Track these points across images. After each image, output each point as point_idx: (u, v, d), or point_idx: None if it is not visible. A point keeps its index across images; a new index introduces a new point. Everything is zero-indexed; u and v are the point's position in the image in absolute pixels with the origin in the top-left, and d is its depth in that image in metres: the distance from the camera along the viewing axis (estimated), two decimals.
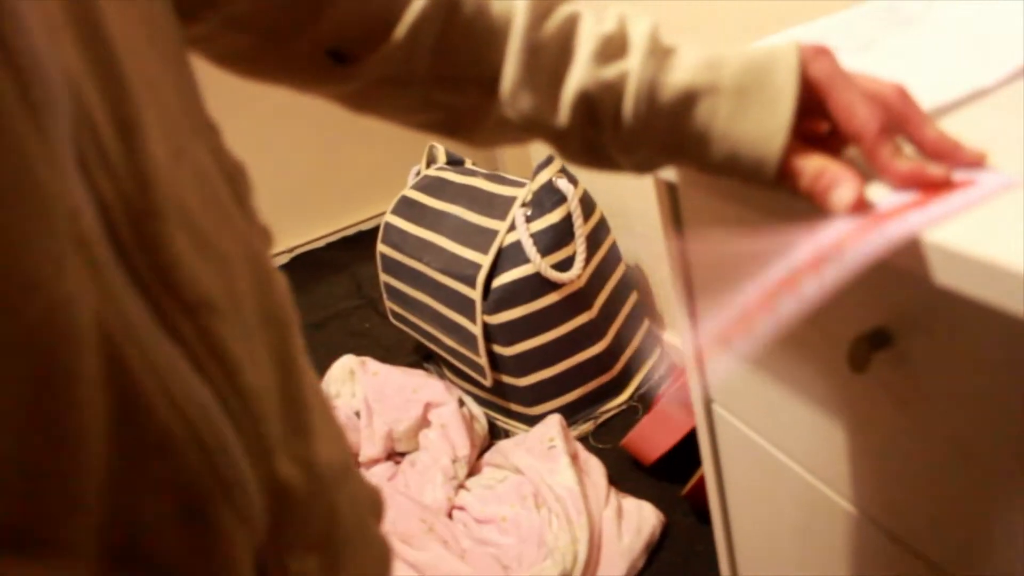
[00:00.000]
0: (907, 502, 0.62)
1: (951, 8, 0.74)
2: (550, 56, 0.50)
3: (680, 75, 0.48)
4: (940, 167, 0.45)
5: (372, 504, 0.52)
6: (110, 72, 0.35)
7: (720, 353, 0.44)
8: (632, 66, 0.49)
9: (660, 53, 0.49)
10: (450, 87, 0.53)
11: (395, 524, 1.52)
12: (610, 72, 0.49)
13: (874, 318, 0.57)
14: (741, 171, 0.49)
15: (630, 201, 1.89)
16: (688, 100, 0.48)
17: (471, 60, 0.52)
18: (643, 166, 0.53)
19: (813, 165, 0.46)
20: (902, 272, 0.45)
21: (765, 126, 0.47)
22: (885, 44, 0.71)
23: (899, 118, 0.47)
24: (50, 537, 0.31)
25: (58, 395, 0.30)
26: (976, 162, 0.45)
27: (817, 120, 0.49)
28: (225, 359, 0.38)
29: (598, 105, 0.50)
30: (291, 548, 0.41)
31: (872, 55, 0.69)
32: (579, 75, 0.50)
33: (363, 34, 0.52)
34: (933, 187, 0.45)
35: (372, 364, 1.91)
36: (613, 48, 0.50)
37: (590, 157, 0.54)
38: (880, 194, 0.46)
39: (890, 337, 0.56)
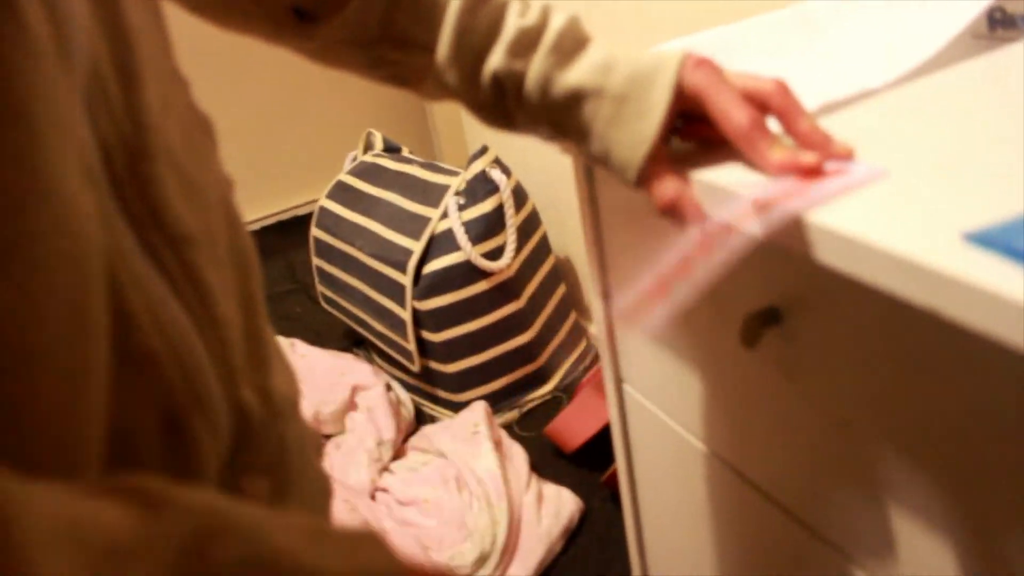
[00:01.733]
0: (796, 475, 0.67)
1: (858, 18, 0.78)
2: (476, 39, 0.57)
3: (573, 75, 0.55)
4: (812, 155, 0.49)
5: (315, 443, 0.56)
6: (116, 24, 0.38)
7: (630, 328, 0.48)
8: (534, 60, 0.55)
9: (565, 50, 0.55)
10: (398, 47, 0.59)
11: None
12: (518, 63, 0.56)
13: (765, 297, 0.61)
14: (611, 169, 0.55)
15: (562, 194, 1.93)
16: (575, 98, 0.55)
17: (416, 28, 0.58)
18: (545, 139, 0.60)
19: (666, 189, 0.53)
20: (788, 252, 0.49)
21: (634, 136, 0.53)
22: (793, 48, 0.76)
23: (776, 111, 0.52)
24: (59, 441, 0.33)
25: (78, 303, 0.33)
26: (845, 154, 0.50)
27: (705, 125, 0.54)
28: (201, 289, 0.41)
29: (506, 87, 0.57)
30: (246, 470, 0.45)
31: (780, 59, 0.73)
32: (494, 61, 0.56)
33: None
34: (806, 174, 0.49)
35: (300, 346, 1.92)
36: (527, 41, 0.56)
37: (502, 124, 0.60)
38: (761, 182, 0.50)
39: (779, 315, 0.61)
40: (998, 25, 0.71)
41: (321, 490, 0.54)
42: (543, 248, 1.86)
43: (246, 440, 0.45)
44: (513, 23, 0.56)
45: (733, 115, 0.51)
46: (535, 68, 0.55)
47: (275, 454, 0.48)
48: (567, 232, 1.99)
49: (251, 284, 0.49)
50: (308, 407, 1.77)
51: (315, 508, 0.53)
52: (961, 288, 0.38)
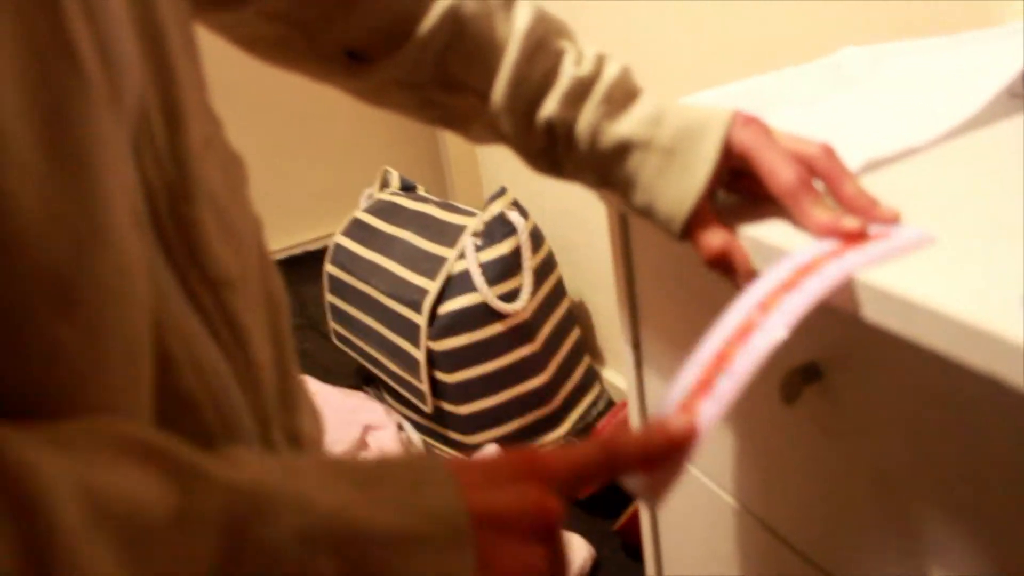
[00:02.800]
0: (832, 533, 0.66)
1: (893, 71, 0.79)
2: (532, 87, 0.57)
3: (622, 126, 0.55)
4: (856, 219, 0.49)
5: None
6: (163, 64, 0.38)
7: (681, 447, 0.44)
8: (585, 110, 0.56)
9: (616, 101, 0.56)
10: (449, 91, 0.59)
11: None
12: (570, 112, 0.57)
13: (806, 352, 0.61)
14: (655, 221, 0.55)
15: (578, 237, 1.93)
16: (623, 149, 0.55)
17: (469, 73, 0.58)
18: (590, 187, 0.61)
19: (713, 239, 0.53)
20: (833, 309, 0.49)
21: (681, 188, 0.53)
22: (829, 101, 0.76)
23: (822, 174, 0.52)
24: None
25: (134, 345, 0.34)
26: (890, 218, 0.50)
27: (753, 181, 0.54)
28: (238, 332, 0.41)
29: (558, 135, 0.57)
30: None
31: (816, 110, 0.73)
32: (548, 109, 0.57)
33: (380, 39, 0.58)
34: (849, 238, 0.49)
35: (312, 383, 1.91)
36: (581, 90, 0.57)
37: (550, 170, 0.61)
38: (804, 243, 0.50)
39: (820, 371, 0.60)
40: None
41: None
42: (559, 291, 1.86)
43: None
44: (569, 72, 0.57)
45: (781, 173, 0.51)
46: (585, 117, 0.56)
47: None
48: (582, 275, 1.98)
49: (281, 323, 0.49)
50: None
51: None
52: (1020, 352, 0.38)
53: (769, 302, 0.45)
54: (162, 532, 0.29)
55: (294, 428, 0.48)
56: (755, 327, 0.44)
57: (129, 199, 0.35)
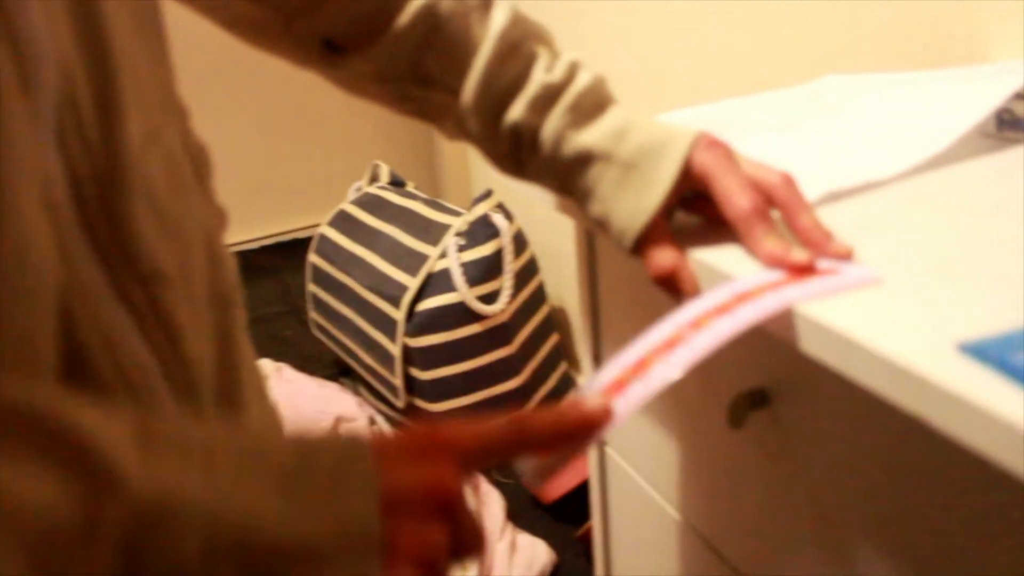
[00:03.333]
0: (771, 555, 0.66)
1: (871, 102, 0.79)
2: (500, 90, 0.57)
3: (585, 136, 0.55)
4: (804, 253, 0.49)
5: None
6: (99, 55, 0.38)
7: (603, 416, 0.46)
8: (550, 116, 0.56)
9: (583, 110, 0.56)
10: (423, 86, 0.59)
11: None
12: (536, 117, 0.56)
13: (754, 378, 0.61)
14: (609, 233, 0.55)
15: (562, 244, 1.93)
16: (585, 159, 0.55)
17: (442, 70, 0.58)
18: (551, 192, 0.61)
19: (663, 258, 0.53)
20: (780, 342, 0.49)
21: (636, 205, 0.53)
22: (803, 128, 0.76)
23: (779, 204, 0.52)
24: None
25: (17, 339, 0.33)
26: (843, 254, 0.50)
27: (711, 204, 0.54)
28: (170, 328, 0.41)
29: (523, 139, 0.58)
30: None
31: (788, 137, 0.74)
32: (515, 113, 0.57)
33: (356, 30, 0.58)
34: (796, 270, 0.49)
35: (288, 371, 1.91)
36: (549, 96, 0.56)
37: (513, 172, 0.61)
38: (751, 271, 0.50)
39: (768, 397, 0.60)
40: (1006, 126, 0.72)
41: None
42: (539, 296, 1.86)
43: None
44: (538, 78, 0.57)
45: (735, 199, 0.51)
46: (550, 124, 0.56)
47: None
48: (564, 282, 1.99)
49: (230, 323, 0.48)
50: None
51: None
52: (949, 399, 0.38)
53: (701, 321, 0.45)
54: (66, 542, 0.29)
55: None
56: (681, 341, 0.44)
57: (40, 187, 0.34)
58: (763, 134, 0.75)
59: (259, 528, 0.33)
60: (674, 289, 0.53)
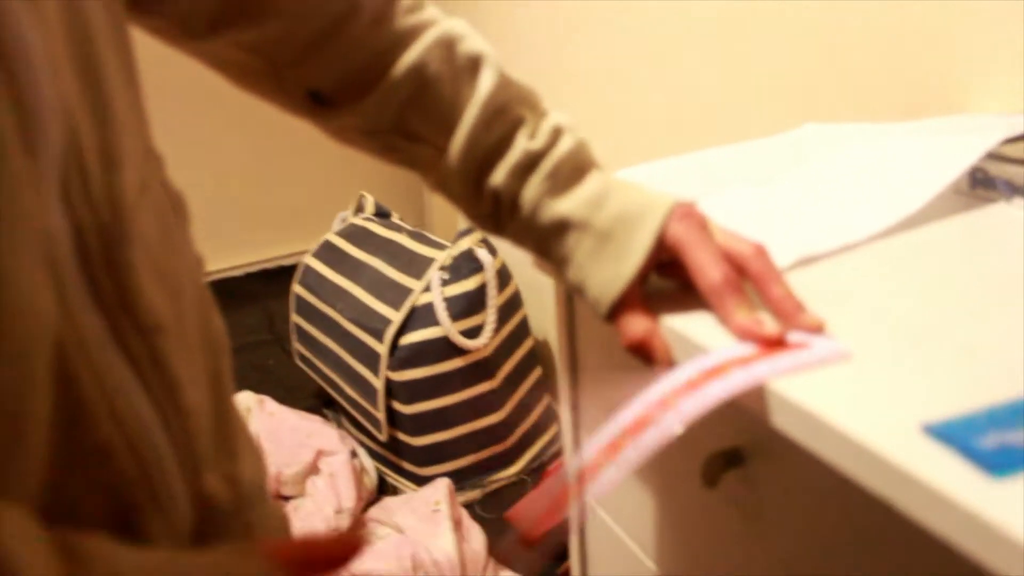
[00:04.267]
0: None
1: (847, 156, 0.80)
2: (482, 156, 0.58)
3: (563, 205, 0.56)
4: (775, 326, 0.50)
5: (281, 526, 0.55)
6: (102, 105, 0.38)
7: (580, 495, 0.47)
8: (530, 184, 0.57)
9: (563, 177, 0.57)
10: (409, 140, 0.60)
11: None
12: (517, 184, 0.58)
13: (729, 438, 0.61)
14: (585, 299, 0.56)
15: (545, 278, 1.93)
16: (562, 227, 0.56)
17: (428, 129, 0.59)
18: (530, 254, 0.62)
19: (636, 326, 0.53)
20: (750, 414, 0.49)
21: (611, 274, 0.54)
22: (780, 183, 0.77)
23: (752, 275, 0.52)
24: None
25: (6, 399, 0.33)
26: (814, 327, 0.50)
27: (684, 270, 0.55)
28: (168, 379, 0.41)
29: (503, 203, 0.58)
30: None
31: (765, 193, 0.74)
32: (497, 178, 0.58)
33: (344, 86, 0.59)
34: (767, 343, 0.49)
35: (270, 404, 1.90)
36: (529, 163, 0.57)
37: (493, 232, 0.62)
38: (723, 342, 0.51)
39: (742, 457, 0.61)
40: (979, 185, 0.73)
41: None
42: (522, 330, 1.86)
43: (212, 530, 0.44)
44: (521, 145, 0.57)
45: (708, 271, 0.52)
46: (529, 191, 0.57)
47: (241, 542, 0.47)
48: (547, 315, 1.99)
49: (221, 366, 0.49)
50: (270, 467, 1.75)
51: None
52: (913, 484, 0.39)
53: (669, 400, 0.45)
54: None
55: (233, 473, 0.47)
56: (651, 423, 0.45)
57: (44, 246, 0.34)
58: (740, 189, 0.76)
59: None
60: (647, 357, 0.53)
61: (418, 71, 0.58)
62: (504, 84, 0.59)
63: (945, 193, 0.71)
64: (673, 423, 0.44)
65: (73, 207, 0.36)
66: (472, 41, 0.59)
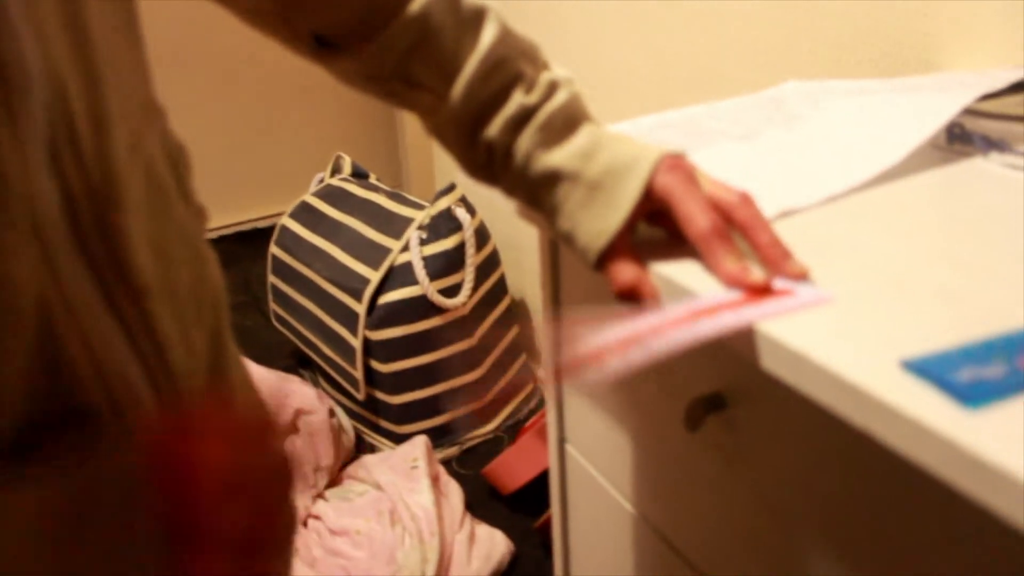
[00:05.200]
0: (724, 552, 0.68)
1: (829, 112, 0.81)
2: (479, 108, 0.59)
3: (554, 157, 0.57)
4: (762, 274, 0.51)
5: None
6: (91, 69, 0.38)
7: (559, 382, 0.48)
8: (523, 136, 0.58)
9: (554, 129, 0.58)
10: (410, 86, 0.61)
11: None
12: (511, 137, 0.59)
13: (711, 383, 0.63)
14: (574, 249, 0.58)
15: (523, 237, 1.94)
16: (553, 178, 0.57)
17: (429, 76, 0.60)
18: (523, 204, 0.63)
19: (625, 273, 0.54)
20: (736, 354, 0.51)
21: (600, 223, 0.55)
22: (765, 137, 0.78)
23: (739, 223, 0.53)
24: None
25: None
26: (799, 274, 0.52)
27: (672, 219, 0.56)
28: (158, 340, 0.41)
29: (497, 155, 0.60)
30: None
31: (749, 148, 0.76)
32: (492, 131, 0.59)
33: (348, 31, 0.60)
34: (754, 291, 0.50)
35: (247, 364, 1.90)
36: (523, 116, 0.58)
37: (487, 183, 0.63)
38: (711, 288, 0.52)
39: (724, 401, 0.62)
40: (956, 139, 0.74)
41: (287, 524, 0.53)
42: (500, 289, 1.87)
43: None
44: (516, 100, 0.58)
45: (695, 220, 0.53)
46: (522, 143, 0.58)
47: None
48: (525, 274, 2.00)
49: (221, 325, 0.49)
50: None
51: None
52: (893, 415, 0.40)
53: (659, 328, 0.46)
54: None
55: None
56: (638, 343, 0.46)
57: (27, 211, 0.34)
58: (724, 144, 0.77)
59: None
60: (636, 301, 0.54)
61: (422, 21, 0.58)
62: (505, 38, 0.60)
63: (923, 148, 0.73)
64: (660, 346, 0.45)
65: (63, 171, 0.36)
66: None
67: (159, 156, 0.47)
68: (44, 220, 0.35)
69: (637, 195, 0.54)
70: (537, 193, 0.59)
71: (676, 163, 0.55)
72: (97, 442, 0.39)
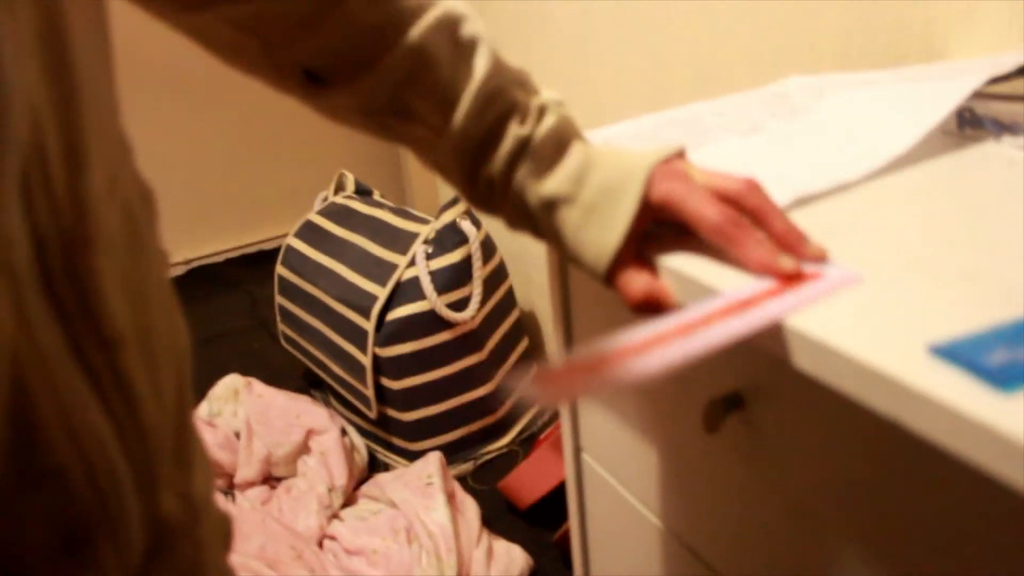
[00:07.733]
0: (748, 556, 0.67)
1: (834, 104, 0.80)
2: (476, 145, 0.58)
3: (548, 185, 0.57)
4: (790, 260, 0.49)
5: (225, 532, 0.53)
6: (69, 101, 0.35)
7: (561, 396, 0.47)
8: (520, 170, 0.58)
9: (545, 157, 0.57)
10: (404, 119, 0.59)
11: (264, 549, 1.50)
12: (508, 171, 0.58)
13: (729, 382, 0.61)
14: (583, 270, 0.57)
15: (531, 247, 1.93)
16: (548, 206, 0.57)
17: (425, 110, 0.58)
18: (528, 235, 0.62)
19: (635, 285, 0.53)
20: (760, 351, 0.49)
21: (601, 242, 0.54)
22: (769, 131, 0.77)
23: (749, 210, 0.52)
24: None
25: None
26: (818, 256, 0.50)
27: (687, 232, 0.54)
28: (129, 394, 0.39)
29: (496, 190, 0.59)
30: None
31: (755, 141, 0.74)
32: (492, 168, 0.58)
33: (340, 65, 0.57)
34: (785, 278, 0.49)
35: (258, 386, 1.89)
36: (519, 150, 0.58)
37: (492, 215, 0.62)
38: (743, 282, 0.50)
39: (743, 400, 0.61)
40: (967, 124, 0.73)
41: None
42: (508, 301, 1.86)
43: (163, 549, 0.42)
44: (512, 132, 0.57)
45: (706, 216, 0.51)
46: (518, 177, 0.58)
47: (190, 558, 0.46)
48: (533, 286, 1.99)
49: (184, 375, 0.46)
50: (261, 448, 1.75)
51: None
52: (923, 402, 0.39)
53: (713, 317, 0.45)
54: None
55: (188, 490, 0.45)
56: (666, 342, 0.43)
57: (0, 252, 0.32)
58: (729, 140, 0.76)
59: None
60: (654, 310, 0.53)
61: (418, 52, 0.56)
62: (497, 66, 0.58)
63: (934, 134, 0.72)
64: (693, 349, 0.42)
65: (34, 210, 0.33)
66: (472, 24, 0.58)
67: (134, 196, 0.44)
68: (15, 264, 0.33)
69: (633, 209, 0.53)
70: (537, 223, 0.58)
71: (669, 170, 0.54)
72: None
